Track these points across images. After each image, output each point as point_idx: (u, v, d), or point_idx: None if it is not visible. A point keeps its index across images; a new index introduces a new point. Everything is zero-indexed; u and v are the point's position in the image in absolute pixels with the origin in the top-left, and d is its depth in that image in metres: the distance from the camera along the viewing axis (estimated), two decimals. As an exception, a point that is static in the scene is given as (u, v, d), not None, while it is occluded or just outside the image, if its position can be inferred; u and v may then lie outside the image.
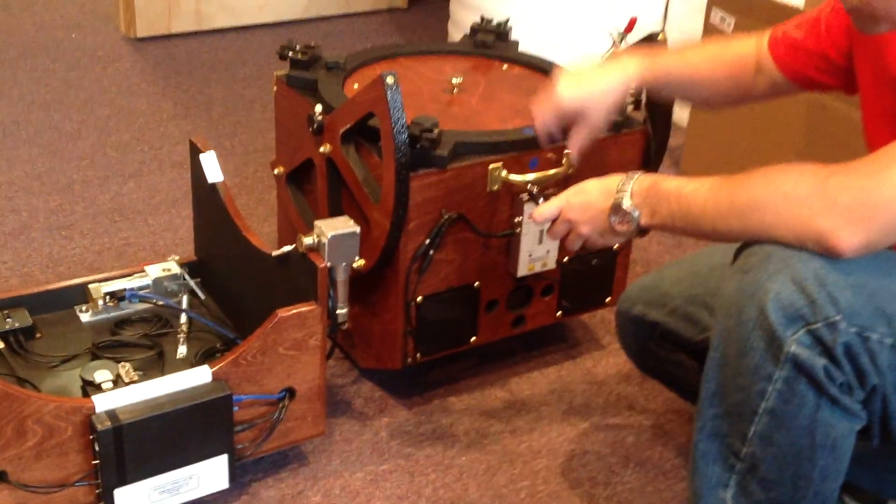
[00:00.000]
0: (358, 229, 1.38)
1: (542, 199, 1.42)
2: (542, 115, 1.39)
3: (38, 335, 1.49)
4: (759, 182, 1.08)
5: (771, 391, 1.05)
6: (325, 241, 1.37)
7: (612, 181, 1.24)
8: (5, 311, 1.49)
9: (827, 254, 1.03)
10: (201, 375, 1.31)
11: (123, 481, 1.26)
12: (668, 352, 1.44)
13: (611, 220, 1.22)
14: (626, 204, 1.19)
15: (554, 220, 1.31)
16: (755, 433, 1.08)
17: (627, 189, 1.20)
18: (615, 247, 1.67)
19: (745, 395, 1.07)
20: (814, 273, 1.03)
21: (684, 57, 1.42)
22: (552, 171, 1.51)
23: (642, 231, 1.22)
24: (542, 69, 1.73)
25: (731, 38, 1.53)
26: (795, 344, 1.03)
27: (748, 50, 1.40)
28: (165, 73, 2.81)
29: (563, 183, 1.47)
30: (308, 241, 1.36)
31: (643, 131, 1.61)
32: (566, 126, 1.41)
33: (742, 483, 1.11)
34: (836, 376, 1.04)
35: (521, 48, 1.82)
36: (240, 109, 2.62)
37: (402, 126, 1.35)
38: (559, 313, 1.68)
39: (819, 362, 1.03)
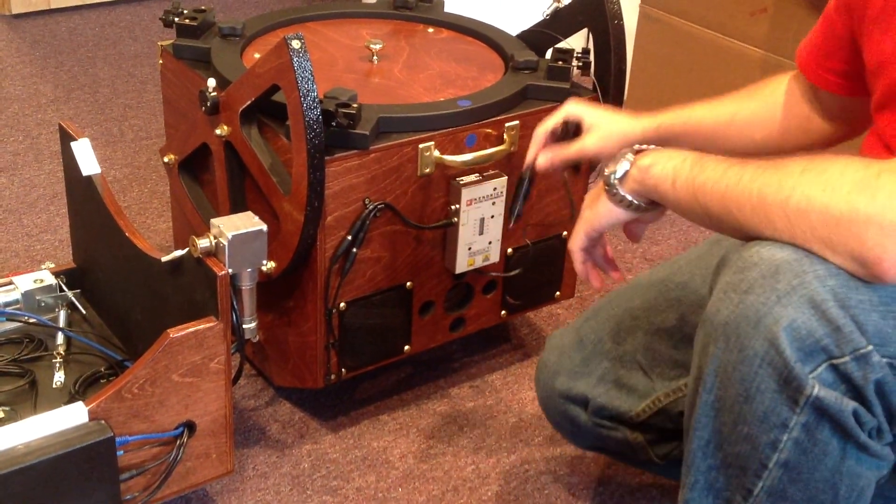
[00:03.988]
0: (265, 227, 1.23)
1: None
2: (556, 158, 1.23)
3: None
4: (794, 168, 0.87)
5: (786, 440, 0.89)
6: (224, 242, 1.20)
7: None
8: None
9: (868, 278, 0.84)
10: (75, 415, 1.13)
11: (-20, 552, 1.10)
12: (606, 429, 1.25)
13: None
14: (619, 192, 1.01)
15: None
16: (763, 489, 0.92)
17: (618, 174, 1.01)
18: (563, 234, 1.53)
19: (752, 445, 0.91)
20: (832, 292, 0.84)
21: (702, 111, 1.23)
22: (493, 150, 1.38)
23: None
24: (472, 32, 1.61)
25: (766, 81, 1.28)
26: (818, 384, 0.86)
27: (782, 83, 1.22)
28: (44, 53, 2.63)
29: (505, 163, 1.38)
30: (204, 243, 1.20)
31: (593, 100, 1.46)
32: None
33: None
34: (866, 420, 0.88)
35: (447, 8, 1.69)
36: (130, 90, 2.46)
37: (314, 100, 1.21)
38: (504, 312, 1.55)
39: (848, 406, 0.87)
